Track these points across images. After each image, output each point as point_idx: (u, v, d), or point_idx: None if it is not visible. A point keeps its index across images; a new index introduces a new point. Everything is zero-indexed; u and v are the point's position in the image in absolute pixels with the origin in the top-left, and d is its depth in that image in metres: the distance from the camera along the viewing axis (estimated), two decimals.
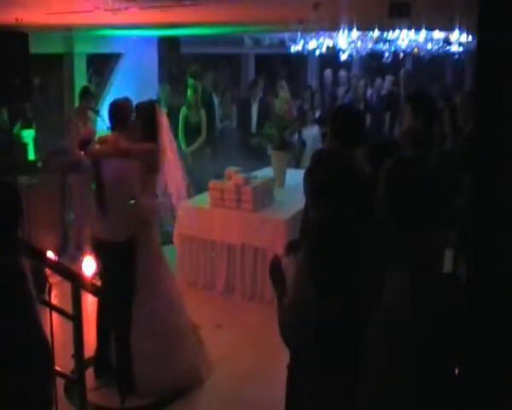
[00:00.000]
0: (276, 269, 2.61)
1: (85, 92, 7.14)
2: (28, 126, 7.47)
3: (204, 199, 6.32)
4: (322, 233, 2.29)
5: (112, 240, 4.10)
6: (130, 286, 4.15)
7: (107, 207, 4.11)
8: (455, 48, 9.52)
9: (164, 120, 4.31)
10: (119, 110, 4.23)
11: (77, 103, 7.37)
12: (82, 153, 4.27)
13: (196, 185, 7.92)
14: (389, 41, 9.22)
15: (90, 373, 4.18)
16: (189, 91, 8.11)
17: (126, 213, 4.07)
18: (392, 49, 9.46)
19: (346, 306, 2.20)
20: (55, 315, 3.25)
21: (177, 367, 4.23)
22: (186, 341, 4.40)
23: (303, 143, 8.60)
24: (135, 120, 4.20)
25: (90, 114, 7.05)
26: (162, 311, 4.25)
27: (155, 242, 4.33)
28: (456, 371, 1.89)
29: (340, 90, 10.12)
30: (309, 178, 2.53)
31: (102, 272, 4.38)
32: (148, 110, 4.24)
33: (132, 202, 4.07)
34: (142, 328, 4.17)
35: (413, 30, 8.53)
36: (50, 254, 6.13)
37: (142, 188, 4.16)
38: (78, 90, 7.61)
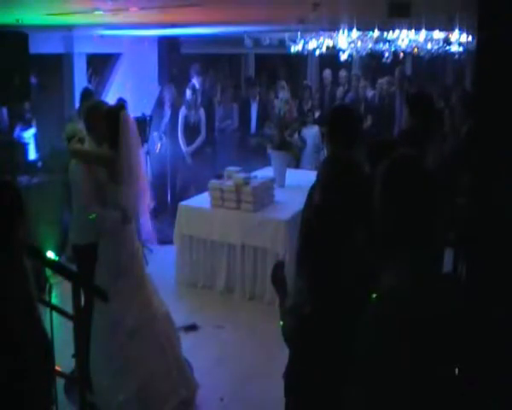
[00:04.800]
0: (277, 273, 2.62)
1: (86, 94, 7.14)
2: (28, 126, 7.48)
3: (204, 199, 6.32)
4: (314, 223, 2.31)
5: (74, 242, 4.25)
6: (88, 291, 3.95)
7: (73, 210, 4.23)
8: (455, 48, 9.53)
9: (130, 126, 4.00)
10: (88, 113, 4.19)
11: (78, 104, 7.37)
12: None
13: (196, 185, 7.95)
14: (389, 41, 9.23)
15: None
16: (188, 91, 8.13)
17: (83, 218, 4.05)
18: (392, 49, 9.46)
19: (336, 303, 2.22)
20: (55, 315, 3.24)
21: (131, 388, 3.91)
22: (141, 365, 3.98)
23: (303, 142, 8.62)
24: (98, 125, 4.04)
25: None
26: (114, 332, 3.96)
27: (120, 255, 4.00)
28: (456, 371, 1.89)
29: (340, 91, 10.12)
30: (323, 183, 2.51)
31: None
32: (112, 114, 3.98)
33: (93, 215, 4.00)
34: (96, 338, 4.00)
35: (413, 30, 8.54)
36: (50, 254, 6.16)
37: (101, 197, 4.00)
38: (78, 90, 7.61)
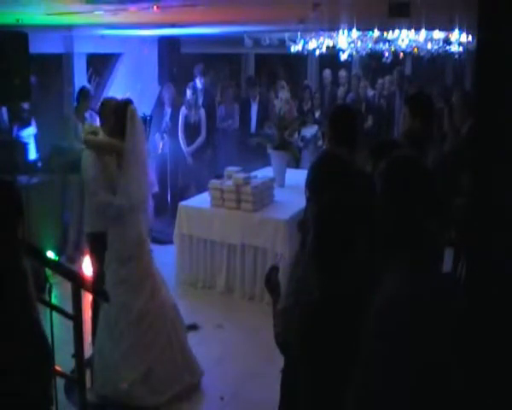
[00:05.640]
0: (271, 277, 2.63)
1: (83, 93, 7.14)
2: (26, 125, 7.45)
3: (204, 199, 6.32)
4: (322, 221, 2.31)
5: (87, 230, 4.47)
6: (98, 279, 4.19)
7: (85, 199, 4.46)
8: (455, 48, 9.54)
9: (137, 121, 4.25)
10: (101, 108, 4.50)
11: (75, 104, 7.37)
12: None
13: (196, 185, 7.95)
14: (389, 41, 9.23)
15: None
16: (189, 91, 8.12)
17: (94, 206, 4.28)
18: (392, 49, 9.46)
19: (335, 304, 2.23)
20: (55, 315, 3.25)
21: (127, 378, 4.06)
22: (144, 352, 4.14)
23: (305, 141, 8.62)
24: (109, 119, 4.29)
25: (88, 113, 7.07)
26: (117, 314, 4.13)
27: (126, 242, 4.16)
28: (456, 371, 1.89)
29: (341, 91, 10.12)
30: (310, 175, 2.55)
31: None
32: (120, 108, 4.23)
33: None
34: (103, 323, 4.19)
35: (413, 30, 8.54)
36: (50, 254, 6.16)
37: (110, 186, 4.19)
38: (78, 90, 7.60)
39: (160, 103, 8.67)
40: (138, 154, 4.20)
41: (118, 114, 4.20)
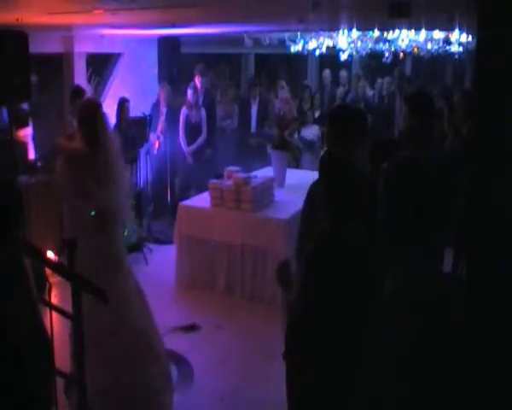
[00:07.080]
0: (283, 271, 2.64)
1: (76, 92, 7.15)
2: (23, 125, 7.45)
3: (204, 199, 6.32)
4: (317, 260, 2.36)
5: (64, 235, 4.27)
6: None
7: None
8: (455, 48, 9.55)
9: (107, 126, 4.04)
10: (78, 111, 4.18)
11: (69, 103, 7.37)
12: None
13: (196, 185, 7.95)
14: (389, 41, 9.25)
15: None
16: (190, 91, 8.12)
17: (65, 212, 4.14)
18: (392, 49, 9.48)
19: (336, 304, 2.25)
20: (55, 315, 3.24)
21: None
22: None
23: (304, 142, 8.61)
24: (82, 123, 4.02)
25: None
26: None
27: (89, 258, 3.85)
28: (456, 371, 1.89)
29: (340, 91, 10.13)
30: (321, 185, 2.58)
31: None
32: (89, 113, 3.99)
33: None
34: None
35: (413, 30, 8.55)
36: (50, 254, 6.16)
37: (79, 192, 3.95)
38: (71, 89, 7.62)
39: (156, 103, 8.68)
40: (110, 162, 3.99)
41: (86, 118, 3.96)
